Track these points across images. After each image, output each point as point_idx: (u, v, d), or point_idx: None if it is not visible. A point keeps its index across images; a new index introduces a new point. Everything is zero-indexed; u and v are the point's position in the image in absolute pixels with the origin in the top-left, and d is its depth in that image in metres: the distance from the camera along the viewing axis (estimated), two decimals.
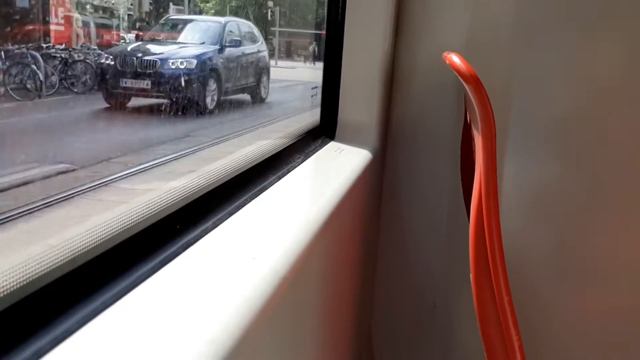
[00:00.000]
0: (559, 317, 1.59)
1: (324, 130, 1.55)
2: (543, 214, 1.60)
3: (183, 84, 1.89)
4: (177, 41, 2.10)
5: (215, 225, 0.79)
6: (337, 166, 1.33)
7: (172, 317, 0.55)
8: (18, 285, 0.51)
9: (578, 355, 1.62)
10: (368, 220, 1.56)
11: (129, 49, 1.77)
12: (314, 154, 1.37)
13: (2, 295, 0.50)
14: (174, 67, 1.87)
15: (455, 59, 0.84)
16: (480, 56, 1.52)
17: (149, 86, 1.74)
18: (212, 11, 2.83)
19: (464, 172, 1.39)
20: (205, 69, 2.04)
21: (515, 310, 1.15)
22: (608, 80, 1.51)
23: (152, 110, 1.75)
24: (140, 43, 1.87)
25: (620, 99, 1.51)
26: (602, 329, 1.59)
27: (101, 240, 0.63)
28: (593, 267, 1.58)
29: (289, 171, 1.16)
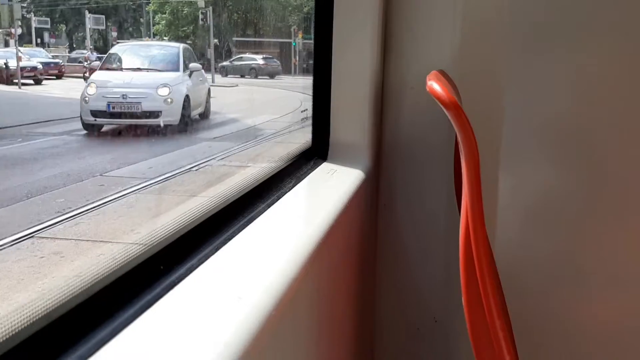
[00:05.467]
0: (558, 329, 1.57)
1: (317, 151, 1.55)
2: (541, 223, 1.59)
3: None
4: None
5: (200, 262, 0.79)
6: (329, 189, 1.32)
7: None
8: None
9: None
10: (364, 240, 1.56)
11: None
12: (306, 177, 1.37)
13: None
14: None
15: (435, 86, 0.84)
16: (470, 71, 1.52)
17: None
18: None
19: (457, 187, 1.39)
20: None
21: (512, 318, 1.14)
22: (601, 88, 1.50)
23: None
24: None
25: (615, 104, 1.50)
26: (603, 339, 1.58)
27: (79, 290, 0.62)
28: (593, 274, 1.57)
29: (279, 197, 1.16)
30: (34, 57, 4.05)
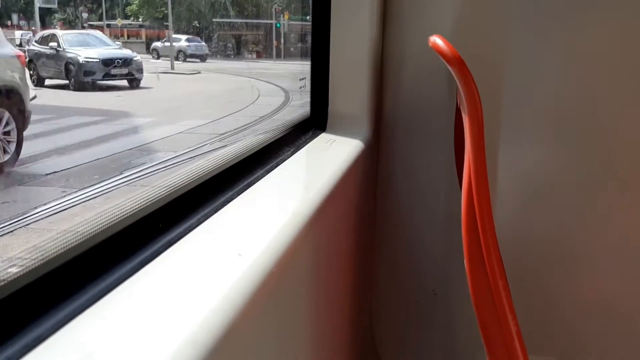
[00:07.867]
0: (557, 302, 1.58)
1: (315, 122, 1.53)
2: (539, 199, 1.58)
3: None
4: None
5: (199, 222, 0.78)
6: (328, 157, 1.31)
7: (150, 318, 0.53)
8: None
9: (577, 339, 1.60)
10: (363, 211, 1.55)
11: None
12: (304, 146, 1.35)
13: None
14: None
15: (439, 41, 0.82)
16: (471, 39, 1.50)
17: None
18: None
19: (458, 157, 1.38)
20: None
21: (513, 296, 1.14)
22: (603, 62, 1.48)
23: None
24: None
25: (615, 81, 1.48)
26: (600, 314, 1.58)
27: (78, 242, 0.61)
28: (591, 252, 1.57)
29: (278, 164, 1.14)
30: (90, 46, 2.97)
